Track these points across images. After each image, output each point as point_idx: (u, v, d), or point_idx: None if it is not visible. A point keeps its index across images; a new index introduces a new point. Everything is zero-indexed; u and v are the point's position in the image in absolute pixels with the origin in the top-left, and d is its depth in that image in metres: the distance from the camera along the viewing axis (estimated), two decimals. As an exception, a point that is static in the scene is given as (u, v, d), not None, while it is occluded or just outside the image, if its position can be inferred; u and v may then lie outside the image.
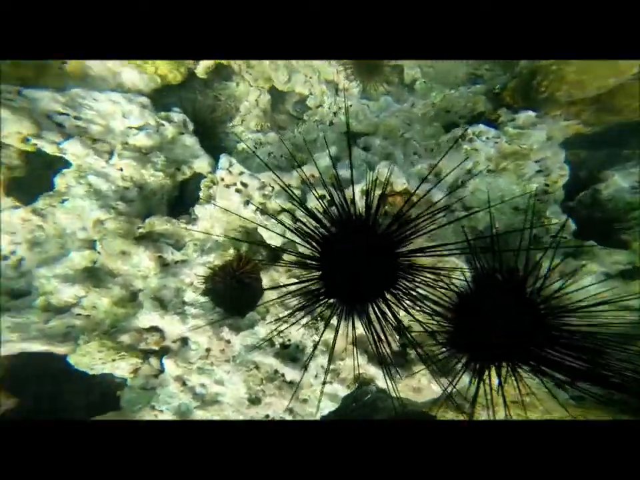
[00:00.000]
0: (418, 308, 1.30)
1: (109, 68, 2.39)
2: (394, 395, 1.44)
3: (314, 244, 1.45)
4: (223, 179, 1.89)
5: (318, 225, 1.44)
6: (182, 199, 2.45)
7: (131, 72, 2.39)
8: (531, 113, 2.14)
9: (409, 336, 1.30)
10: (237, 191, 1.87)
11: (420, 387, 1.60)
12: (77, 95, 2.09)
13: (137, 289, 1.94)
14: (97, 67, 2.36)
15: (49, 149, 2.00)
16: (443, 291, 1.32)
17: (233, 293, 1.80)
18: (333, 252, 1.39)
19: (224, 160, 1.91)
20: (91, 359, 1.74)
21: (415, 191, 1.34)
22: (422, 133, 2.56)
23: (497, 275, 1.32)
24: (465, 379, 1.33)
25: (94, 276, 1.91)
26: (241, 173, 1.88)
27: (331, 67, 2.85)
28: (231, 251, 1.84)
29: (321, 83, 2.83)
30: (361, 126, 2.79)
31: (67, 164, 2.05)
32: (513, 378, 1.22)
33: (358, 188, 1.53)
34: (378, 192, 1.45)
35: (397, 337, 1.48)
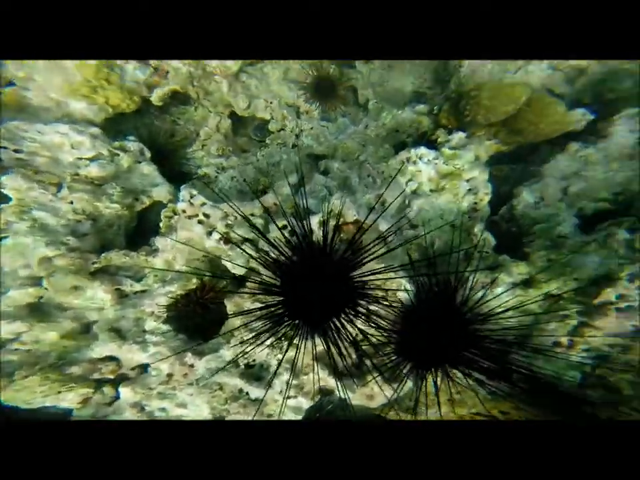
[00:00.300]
0: (369, 323, 1.43)
1: (52, 98, 2.27)
2: (349, 402, 1.54)
3: (276, 271, 1.52)
4: (184, 211, 1.87)
5: (279, 254, 1.51)
6: (141, 228, 2.37)
7: (77, 103, 2.30)
8: (462, 134, 2.40)
9: (361, 349, 1.43)
10: (199, 222, 1.86)
11: (372, 394, 1.70)
12: (15, 128, 1.96)
13: (91, 320, 1.84)
14: (38, 97, 2.24)
15: None
16: (388, 307, 1.47)
17: (197, 319, 1.77)
18: (294, 278, 1.48)
19: (185, 192, 1.90)
20: (29, 393, 1.62)
21: (364, 221, 1.46)
22: (375, 155, 2.75)
23: (434, 288, 1.53)
24: (409, 383, 1.52)
25: (39, 310, 1.78)
26: (203, 204, 1.88)
27: (291, 91, 2.97)
28: (194, 281, 1.82)
29: (282, 108, 2.93)
30: (322, 148, 2.92)
31: (5, 199, 1.90)
32: (446, 380, 1.39)
33: (316, 219, 1.61)
34: (333, 222, 1.55)
35: (353, 350, 1.59)
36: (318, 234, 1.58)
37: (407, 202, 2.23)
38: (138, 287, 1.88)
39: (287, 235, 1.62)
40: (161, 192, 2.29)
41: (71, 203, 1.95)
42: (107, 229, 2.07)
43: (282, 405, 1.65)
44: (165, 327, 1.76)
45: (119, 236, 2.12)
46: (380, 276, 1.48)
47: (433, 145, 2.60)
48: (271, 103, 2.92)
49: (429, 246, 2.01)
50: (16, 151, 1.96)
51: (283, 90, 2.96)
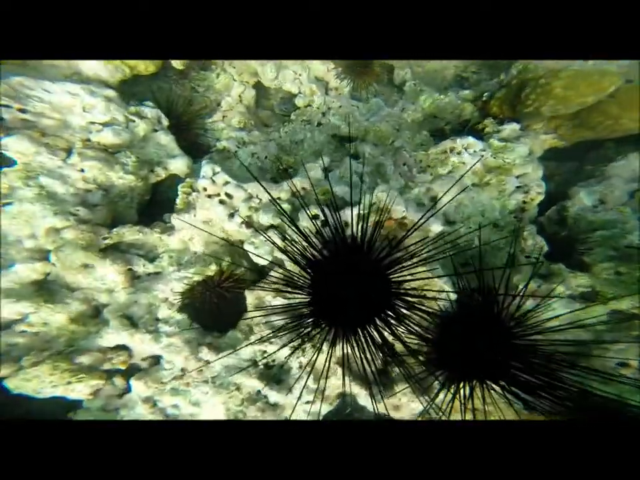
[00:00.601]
0: (404, 329, 1.29)
1: None
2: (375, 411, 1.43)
3: (305, 266, 1.36)
4: (205, 189, 1.70)
5: (309, 246, 1.35)
6: (154, 201, 2.20)
7: (91, 61, 2.07)
8: (516, 126, 2.15)
9: (396, 357, 1.29)
10: (221, 202, 1.69)
11: (399, 404, 1.59)
12: (19, 84, 1.76)
13: (101, 303, 1.71)
14: None
15: None
16: (427, 313, 1.32)
17: (213, 308, 1.64)
18: (325, 276, 1.32)
19: (207, 168, 1.72)
20: (39, 382, 1.51)
21: (418, 222, 1.27)
22: (411, 141, 2.51)
23: (476, 296, 1.36)
24: (440, 395, 1.38)
25: (46, 289, 1.65)
26: (226, 183, 1.70)
27: (322, 64, 2.69)
28: (213, 267, 1.67)
29: (311, 82, 2.67)
30: (351, 129, 2.68)
31: (9, 163, 1.73)
32: (483, 392, 1.26)
33: (354, 211, 1.43)
34: (373, 215, 1.36)
35: (382, 357, 1.46)
36: (354, 227, 1.40)
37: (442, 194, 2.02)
38: (151, 267, 1.74)
39: (318, 225, 1.45)
40: (179, 164, 2.10)
41: (82, 170, 1.78)
42: (118, 201, 1.91)
43: (295, 406, 1.55)
44: (180, 316, 1.63)
45: (131, 209, 1.96)
46: (420, 279, 1.31)
47: (476, 134, 2.36)
48: (299, 75, 2.65)
49: (471, 245, 1.81)
50: (21, 110, 1.77)
51: (313, 61, 2.68)
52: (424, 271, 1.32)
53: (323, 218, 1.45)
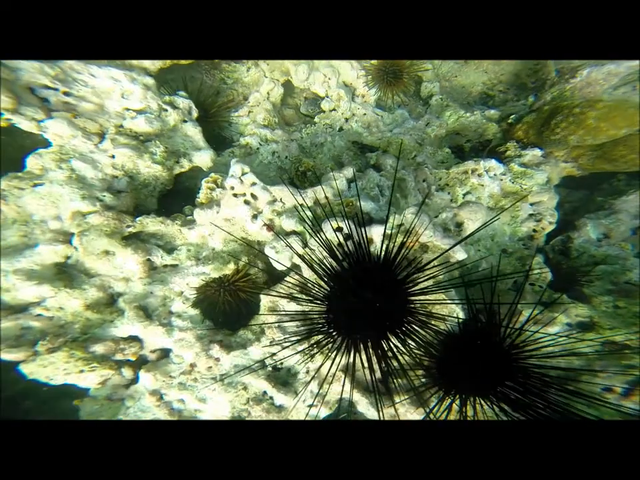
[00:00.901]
0: (414, 345, 1.34)
1: None
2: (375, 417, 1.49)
3: (324, 276, 1.40)
4: (232, 187, 1.73)
5: (330, 257, 1.39)
6: (174, 191, 2.24)
7: None
8: (538, 152, 2.16)
9: (402, 371, 1.35)
10: (246, 202, 1.73)
11: (396, 415, 1.64)
12: (71, 68, 1.78)
13: (117, 292, 1.76)
14: None
15: (26, 126, 1.70)
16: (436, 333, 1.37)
17: (227, 306, 1.69)
18: (343, 288, 1.36)
19: (237, 167, 1.74)
20: (54, 369, 1.55)
21: (449, 249, 1.30)
22: (433, 157, 2.53)
23: (481, 317, 1.41)
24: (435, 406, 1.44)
25: (64, 273, 1.69)
26: (253, 184, 1.73)
27: (352, 69, 2.70)
28: (231, 266, 1.71)
29: (339, 87, 2.67)
30: (372, 138, 2.70)
31: (45, 144, 1.76)
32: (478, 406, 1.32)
33: (379, 230, 1.46)
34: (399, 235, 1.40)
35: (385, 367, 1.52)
36: (377, 244, 1.44)
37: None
38: (169, 259, 1.78)
39: (341, 238, 1.49)
40: (203, 158, 2.13)
41: (113, 157, 1.81)
42: (141, 189, 1.94)
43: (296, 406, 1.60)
44: (193, 311, 1.68)
45: (153, 197, 2.00)
46: (432, 299, 1.36)
47: (496, 156, 2.38)
48: (329, 79, 2.66)
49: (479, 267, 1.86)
50: (65, 93, 1.79)
51: (344, 66, 2.69)
52: (435, 290, 1.34)
53: (346, 231, 1.49)
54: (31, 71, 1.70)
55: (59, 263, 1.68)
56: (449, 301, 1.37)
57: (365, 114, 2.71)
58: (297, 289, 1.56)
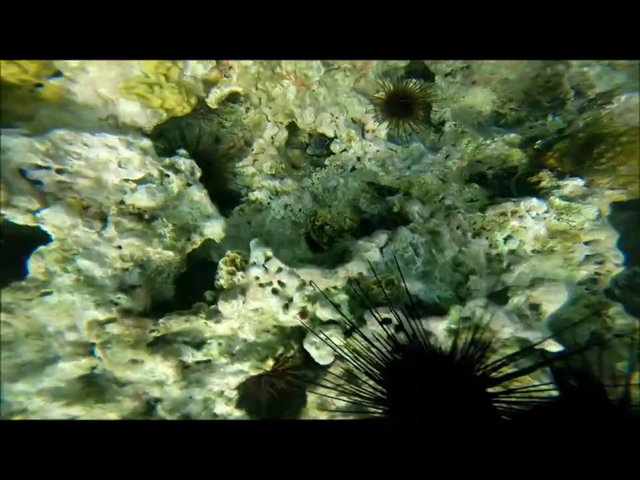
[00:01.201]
0: None
1: (100, 94, 1.86)
2: None
3: (375, 375, 1.29)
4: (257, 277, 1.59)
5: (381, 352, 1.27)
6: (189, 267, 2.06)
7: (129, 105, 1.90)
8: (579, 182, 1.99)
9: None
10: (274, 291, 1.60)
11: None
12: (61, 139, 1.59)
13: (153, 397, 1.63)
14: (84, 92, 1.82)
15: (21, 220, 1.52)
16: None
17: (271, 401, 1.58)
18: (405, 387, 1.23)
19: (259, 253, 1.60)
20: None
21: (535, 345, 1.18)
22: (460, 195, 2.40)
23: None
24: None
25: (93, 385, 1.55)
26: (279, 270, 1.59)
27: (361, 105, 2.53)
28: (270, 362, 1.59)
29: (348, 125, 2.51)
30: (390, 177, 2.56)
31: (44, 238, 1.59)
32: None
33: (442, 325, 1.34)
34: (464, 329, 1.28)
35: None
36: (439, 338, 1.33)
37: (505, 264, 1.95)
38: (199, 355, 1.65)
39: (390, 330, 1.37)
40: (215, 229, 1.97)
41: (119, 247, 1.65)
42: (155, 276, 1.79)
43: None
44: (238, 412, 1.56)
45: (168, 284, 1.85)
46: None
47: (527, 186, 2.24)
48: (336, 118, 2.49)
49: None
50: (59, 171, 1.61)
51: (351, 102, 2.52)
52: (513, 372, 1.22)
53: (396, 322, 1.37)
54: (20, 149, 1.52)
55: (85, 374, 1.54)
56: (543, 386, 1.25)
57: (377, 150, 2.56)
58: (346, 380, 1.45)
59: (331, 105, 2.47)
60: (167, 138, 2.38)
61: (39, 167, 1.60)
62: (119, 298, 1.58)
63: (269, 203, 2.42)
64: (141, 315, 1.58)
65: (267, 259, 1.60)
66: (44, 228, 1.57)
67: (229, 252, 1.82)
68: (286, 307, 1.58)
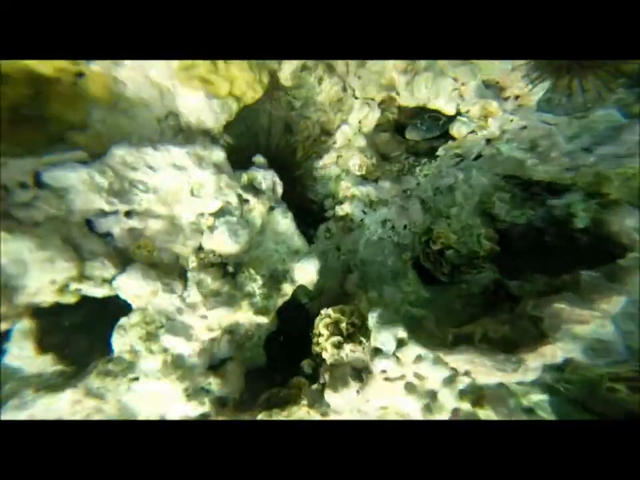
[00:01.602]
0: None
1: (152, 81, 1.42)
2: None
3: None
4: (384, 371, 1.11)
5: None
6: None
7: (191, 95, 1.46)
8: None
9: None
10: (407, 386, 1.10)
11: None
12: (122, 162, 1.26)
13: None
14: (132, 79, 1.40)
15: (99, 293, 1.26)
16: None
17: None
18: None
19: (387, 335, 1.10)
20: None
21: None
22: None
23: None
24: None
25: None
26: (418, 358, 1.07)
27: (502, 61, 1.63)
28: None
29: (480, 94, 1.66)
30: (549, 167, 1.72)
31: (124, 306, 1.32)
32: None
33: None
34: None
35: None
36: None
37: None
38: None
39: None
40: (307, 272, 1.50)
41: (205, 317, 1.31)
42: (244, 342, 1.45)
43: None
44: None
45: (259, 348, 1.51)
46: None
47: None
48: (462, 84, 1.64)
49: None
50: (127, 213, 1.29)
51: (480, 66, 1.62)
52: None
53: None
54: (82, 189, 1.21)
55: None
56: None
57: (524, 127, 1.69)
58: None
59: (455, 66, 1.61)
60: (231, 133, 1.85)
61: (105, 214, 1.28)
62: (209, 384, 1.28)
63: (362, 220, 1.83)
64: (236, 406, 1.28)
65: (401, 343, 1.08)
66: (122, 297, 1.29)
67: (330, 311, 1.36)
68: (427, 407, 1.09)
